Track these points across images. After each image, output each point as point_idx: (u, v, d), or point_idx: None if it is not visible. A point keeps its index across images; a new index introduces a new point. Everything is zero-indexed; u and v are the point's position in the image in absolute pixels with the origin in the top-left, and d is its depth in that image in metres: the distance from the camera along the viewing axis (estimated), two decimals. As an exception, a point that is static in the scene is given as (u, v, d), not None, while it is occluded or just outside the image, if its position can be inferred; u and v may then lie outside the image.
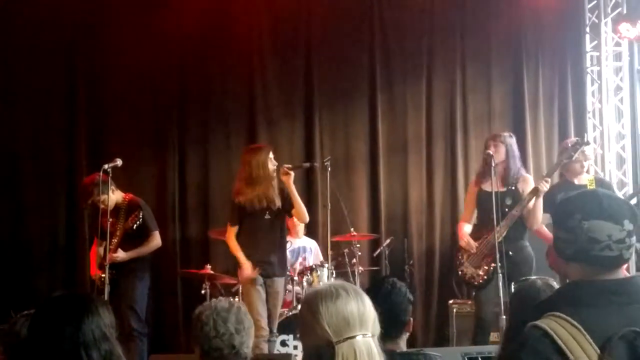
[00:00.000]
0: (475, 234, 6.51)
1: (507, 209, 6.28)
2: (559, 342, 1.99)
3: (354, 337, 2.15)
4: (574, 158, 6.52)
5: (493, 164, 6.20)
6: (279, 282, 6.50)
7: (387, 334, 3.22)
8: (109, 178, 6.56)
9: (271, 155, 6.42)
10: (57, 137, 8.60)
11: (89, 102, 8.63)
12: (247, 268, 6.37)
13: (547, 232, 6.62)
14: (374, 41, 8.92)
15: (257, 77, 8.81)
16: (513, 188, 6.36)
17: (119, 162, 6.62)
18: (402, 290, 3.33)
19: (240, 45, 8.76)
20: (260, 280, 6.36)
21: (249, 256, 6.40)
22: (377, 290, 3.31)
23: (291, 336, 6.89)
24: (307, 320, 2.23)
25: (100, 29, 8.65)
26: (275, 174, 6.37)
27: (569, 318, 2.03)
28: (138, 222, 6.71)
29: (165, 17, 8.54)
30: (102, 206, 6.60)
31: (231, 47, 8.75)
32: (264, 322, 6.24)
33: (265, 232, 6.43)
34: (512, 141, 6.53)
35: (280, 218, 6.51)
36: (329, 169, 7.00)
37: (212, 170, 8.71)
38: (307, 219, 6.70)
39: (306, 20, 8.90)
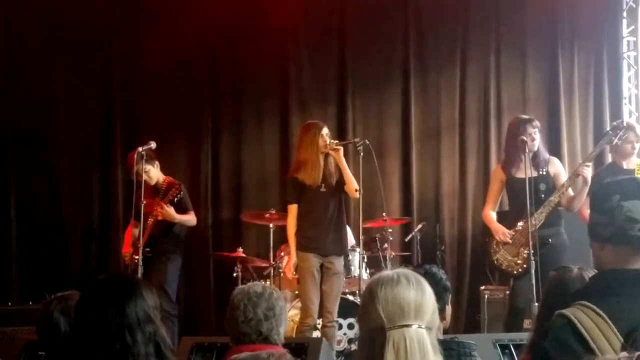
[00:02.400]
0: (510, 222, 6.44)
1: (542, 195, 6.19)
2: (582, 330, 1.99)
3: (407, 325, 2.14)
4: (614, 142, 6.39)
5: (527, 150, 6.12)
6: (337, 262, 6.37)
7: None
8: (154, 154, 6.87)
9: (324, 131, 6.38)
10: (93, 121, 8.72)
11: (123, 86, 8.72)
12: (291, 264, 6.39)
13: None
14: (408, 26, 8.87)
15: (291, 62, 8.81)
16: (544, 173, 6.28)
17: (153, 144, 6.75)
18: (436, 277, 3.29)
19: (274, 29, 8.77)
20: (317, 264, 6.28)
21: (306, 235, 6.34)
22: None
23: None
24: (365, 303, 2.24)
25: (136, 15, 8.75)
26: (326, 150, 6.33)
27: (594, 307, 2.03)
28: (180, 195, 6.81)
29: (200, 1, 8.57)
30: (145, 177, 6.74)
31: (265, 32, 8.75)
32: (313, 310, 6.15)
33: (323, 208, 6.35)
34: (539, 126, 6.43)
35: (338, 195, 6.45)
36: (362, 153, 6.99)
37: (245, 154, 8.75)
38: (356, 194, 6.46)
39: (341, 4, 8.88)
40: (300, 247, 6.34)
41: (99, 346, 2.40)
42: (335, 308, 6.31)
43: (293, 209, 6.43)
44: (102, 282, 2.59)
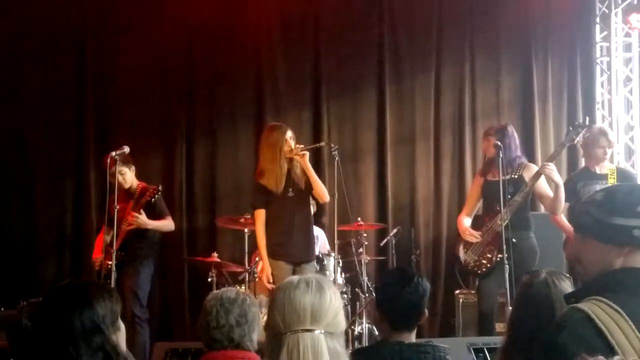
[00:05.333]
0: (480, 222, 6.50)
1: (509, 197, 6.22)
2: (601, 326, 1.97)
3: (302, 330, 2.12)
4: (575, 141, 6.45)
5: (501, 155, 6.17)
6: (309, 268, 6.28)
7: (409, 326, 3.32)
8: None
9: (288, 134, 6.23)
10: (66, 127, 8.61)
11: (97, 92, 8.63)
12: (266, 274, 6.25)
13: (566, 223, 6.58)
14: (382, 32, 8.90)
15: (265, 67, 8.80)
16: (516, 177, 6.32)
17: (127, 149, 6.74)
18: (427, 283, 3.36)
19: (249, 34, 8.76)
20: (289, 271, 6.18)
21: (276, 243, 6.25)
22: (409, 282, 3.30)
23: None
24: (268, 309, 2.24)
25: (109, 20, 8.67)
26: (292, 155, 6.20)
27: (611, 303, 2.01)
28: (156, 196, 6.80)
29: (174, 6, 8.55)
30: (120, 178, 6.74)
31: (239, 37, 8.74)
32: None
33: (291, 213, 6.25)
34: (507, 132, 6.43)
35: (306, 199, 6.36)
36: (337, 158, 6.98)
37: (220, 159, 8.72)
38: (327, 197, 6.43)
39: (315, 10, 8.88)
40: (271, 255, 6.24)
41: (45, 358, 2.38)
42: None
43: (260, 214, 6.30)
44: (55, 290, 2.54)
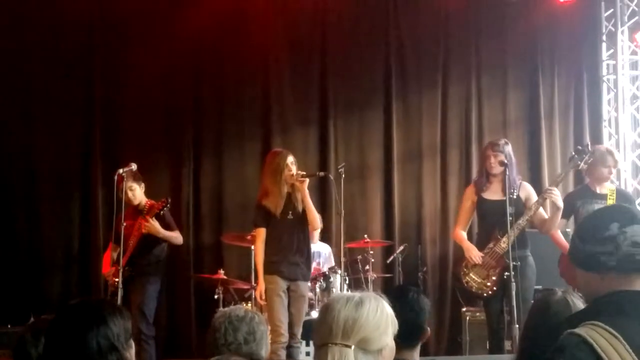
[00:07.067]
0: (479, 244, 6.46)
1: (510, 218, 6.16)
2: (599, 350, 1.97)
3: (332, 344, 2.18)
4: (580, 166, 6.43)
5: (507, 173, 6.16)
6: (303, 285, 6.41)
7: (408, 343, 3.21)
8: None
9: (290, 159, 6.37)
10: (73, 144, 8.63)
11: (104, 109, 8.65)
12: (259, 290, 6.34)
13: (563, 240, 6.58)
14: (389, 49, 8.93)
15: (272, 84, 8.82)
16: (514, 196, 6.29)
17: (134, 166, 6.78)
18: (425, 300, 3.33)
19: (255, 52, 8.78)
20: (284, 286, 6.27)
21: (272, 261, 6.32)
22: (403, 298, 3.27)
23: (303, 342, 6.81)
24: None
25: (116, 37, 8.71)
26: (292, 180, 6.32)
27: (608, 327, 2.01)
28: (166, 208, 6.81)
29: (180, 24, 8.57)
30: (130, 195, 6.80)
31: (246, 55, 8.77)
32: (283, 329, 6.17)
33: (289, 234, 6.36)
34: (509, 149, 6.42)
35: (305, 222, 6.45)
36: (343, 176, 6.98)
37: (226, 177, 8.73)
38: (319, 226, 6.65)
39: (321, 28, 8.92)
40: (267, 271, 6.32)
41: None
42: (300, 330, 6.36)
43: (261, 232, 6.42)
44: (68, 309, 2.53)
